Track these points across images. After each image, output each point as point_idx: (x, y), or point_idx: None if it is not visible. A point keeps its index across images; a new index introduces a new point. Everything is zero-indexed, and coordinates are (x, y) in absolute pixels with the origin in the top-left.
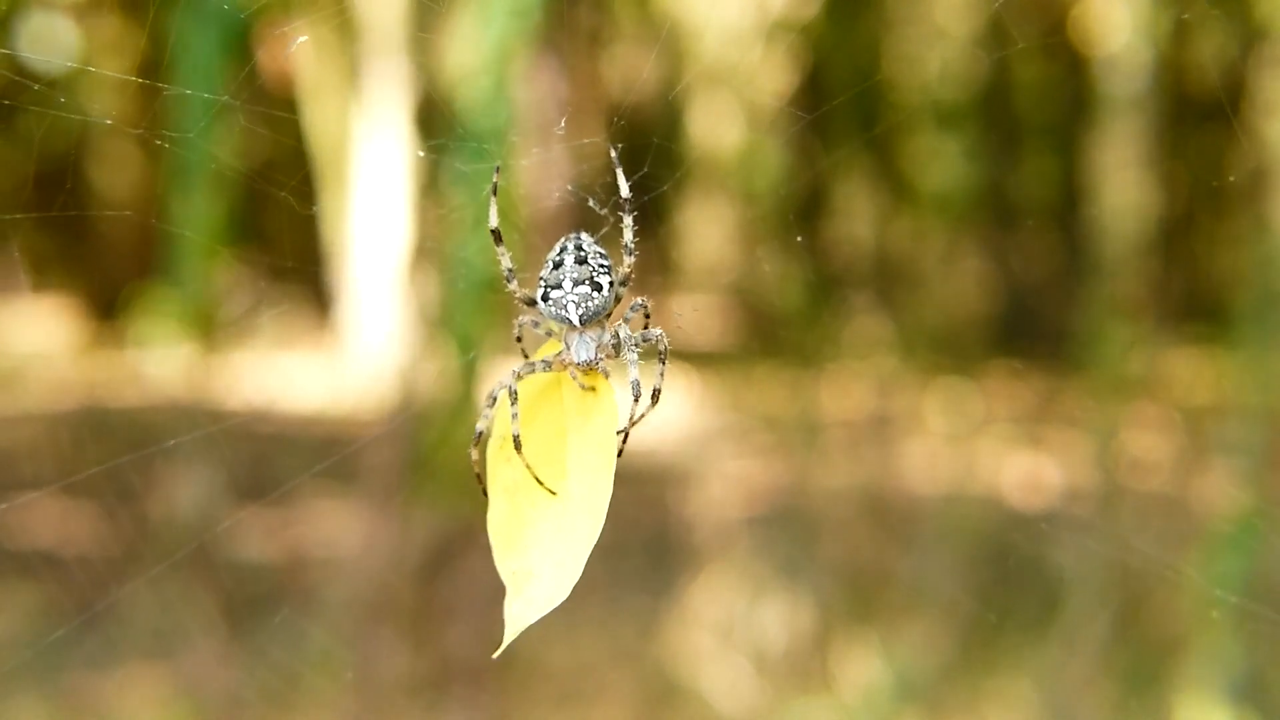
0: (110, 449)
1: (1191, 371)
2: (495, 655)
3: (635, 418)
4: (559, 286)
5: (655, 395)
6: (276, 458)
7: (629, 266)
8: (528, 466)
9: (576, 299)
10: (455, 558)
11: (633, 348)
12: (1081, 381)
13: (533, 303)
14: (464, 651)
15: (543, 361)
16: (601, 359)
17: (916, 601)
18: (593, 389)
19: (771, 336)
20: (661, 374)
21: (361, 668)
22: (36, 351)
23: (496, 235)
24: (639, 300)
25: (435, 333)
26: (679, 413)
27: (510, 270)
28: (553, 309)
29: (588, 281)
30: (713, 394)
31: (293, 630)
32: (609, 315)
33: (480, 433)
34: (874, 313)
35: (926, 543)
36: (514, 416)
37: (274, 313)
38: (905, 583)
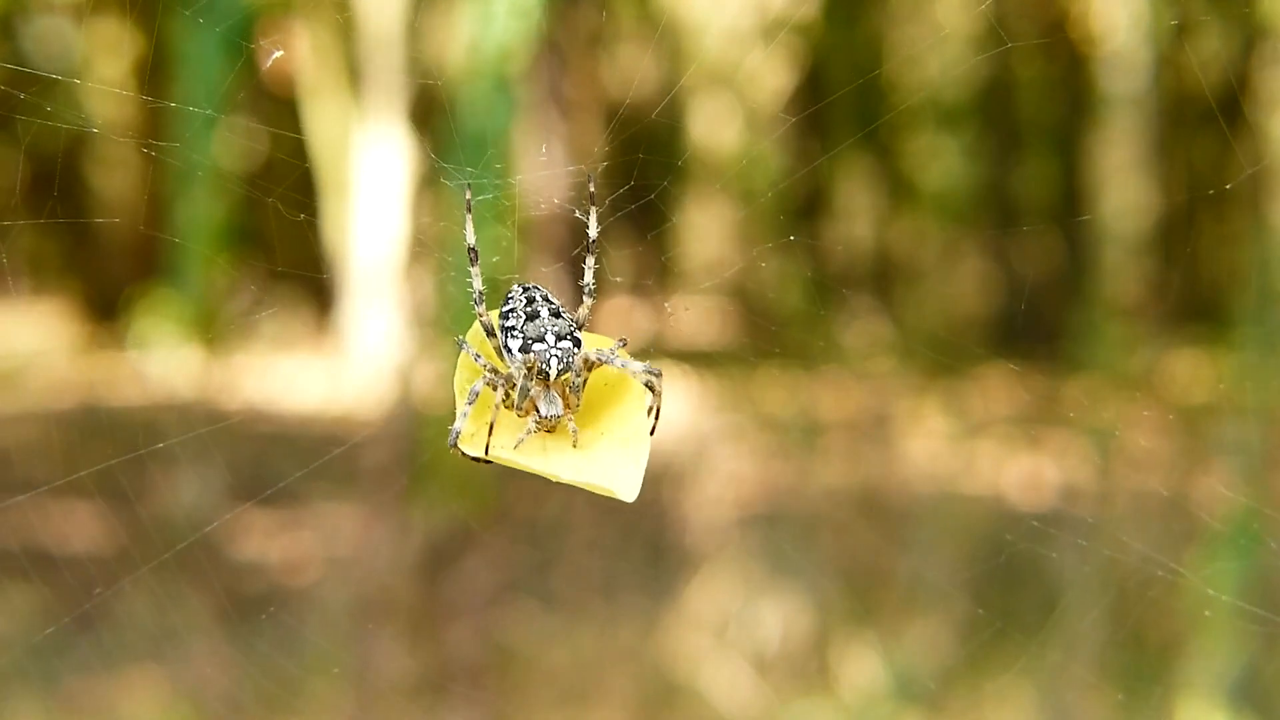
0: (109, 449)
1: (1191, 371)
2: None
3: (655, 404)
4: (541, 340)
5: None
6: (276, 458)
7: (588, 309)
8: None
9: (560, 354)
10: (454, 558)
11: (617, 356)
12: (1081, 381)
13: (492, 334)
14: (463, 652)
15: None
16: (570, 416)
17: (916, 602)
18: (550, 429)
19: (771, 336)
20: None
21: (360, 668)
22: (35, 351)
23: (473, 255)
24: (620, 340)
25: (433, 333)
26: (678, 413)
27: (481, 293)
28: (532, 360)
29: (569, 337)
30: (712, 394)
31: (291, 631)
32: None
33: (458, 432)
34: (873, 312)
35: (926, 543)
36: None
37: (273, 314)
38: (905, 583)
